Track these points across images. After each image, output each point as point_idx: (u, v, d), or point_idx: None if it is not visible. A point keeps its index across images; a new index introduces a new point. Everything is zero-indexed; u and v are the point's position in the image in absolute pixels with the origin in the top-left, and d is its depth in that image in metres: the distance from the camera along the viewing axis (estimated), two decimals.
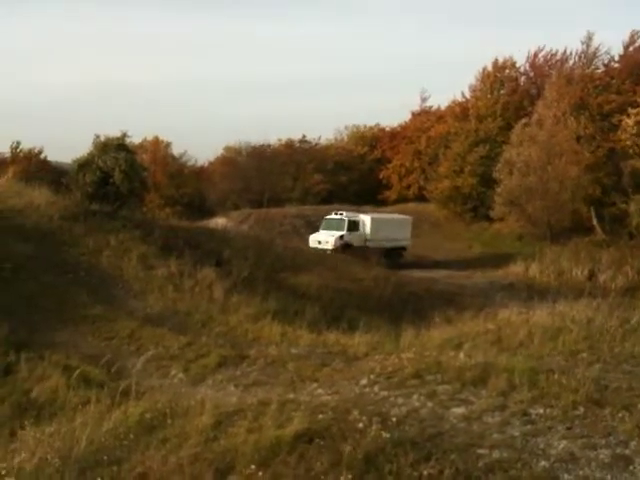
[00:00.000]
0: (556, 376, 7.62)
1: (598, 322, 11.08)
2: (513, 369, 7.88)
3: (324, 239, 34.10)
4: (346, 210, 39.77)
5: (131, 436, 6.47)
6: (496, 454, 5.84)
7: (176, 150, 60.71)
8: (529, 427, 6.49)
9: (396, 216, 41.15)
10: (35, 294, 16.01)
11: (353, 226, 35.21)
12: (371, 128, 66.11)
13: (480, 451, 5.88)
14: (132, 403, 7.52)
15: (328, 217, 36.47)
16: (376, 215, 38.42)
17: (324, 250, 32.36)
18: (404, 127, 62.24)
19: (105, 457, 6.04)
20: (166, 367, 11.88)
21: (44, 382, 10.50)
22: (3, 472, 5.87)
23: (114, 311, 15.81)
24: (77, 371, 9.93)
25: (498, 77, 51.22)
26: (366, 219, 36.02)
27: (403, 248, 37.23)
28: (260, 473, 5.48)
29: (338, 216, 35.86)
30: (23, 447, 6.59)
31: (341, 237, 34.23)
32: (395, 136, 61.99)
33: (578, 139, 40.99)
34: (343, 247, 33.37)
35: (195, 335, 14.27)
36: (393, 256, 34.67)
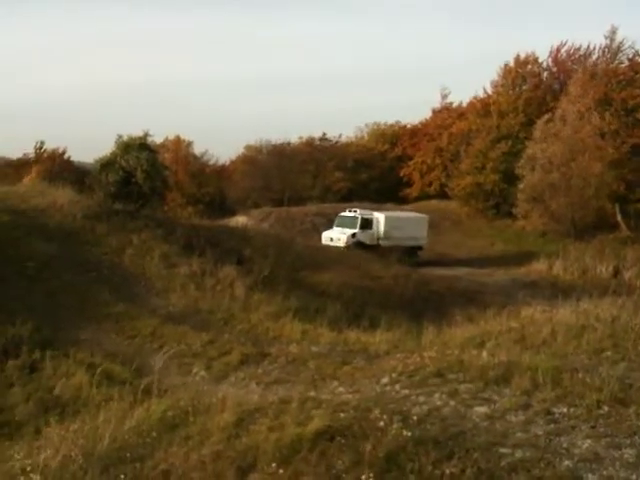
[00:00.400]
0: (580, 375, 7.53)
1: (623, 320, 10.91)
2: (536, 368, 7.79)
3: (336, 236, 33.93)
4: (366, 208, 39.61)
5: (154, 434, 6.52)
6: (519, 453, 5.78)
7: (197, 149, 61.06)
8: (552, 426, 6.42)
9: (411, 214, 40.63)
10: (59, 292, 16.21)
11: (366, 224, 34.91)
12: (391, 125, 65.84)
13: (503, 450, 5.83)
14: (155, 401, 7.57)
15: (342, 214, 36.25)
16: (390, 213, 37.97)
17: (336, 247, 32.17)
18: (425, 124, 61.89)
19: (128, 454, 6.09)
20: (188, 365, 11.97)
21: (68, 380, 10.64)
22: (28, 468, 5.95)
23: (136, 309, 15.95)
24: (100, 368, 10.04)
25: (520, 73, 50.67)
26: (380, 217, 35.70)
27: (419, 247, 36.60)
28: (281, 471, 5.49)
29: (352, 213, 35.61)
30: (48, 444, 6.68)
31: (353, 235, 34.00)
32: (416, 133, 61.67)
33: (602, 135, 40.42)
34: (355, 245, 33.07)
35: (217, 333, 14.34)
36: (409, 255, 34.17)
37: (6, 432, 8.93)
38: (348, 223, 34.87)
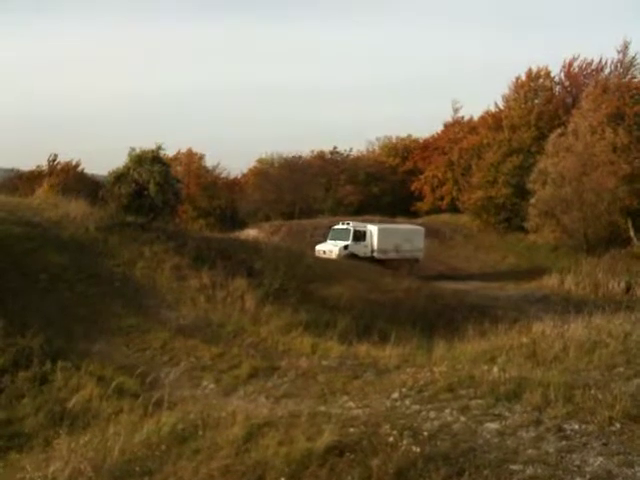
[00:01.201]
0: (592, 391, 7.46)
1: (635, 336, 10.82)
2: (548, 384, 7.73)
3: (329, 249, 33.85)
4: (378, 221, 39.56)
5: (163, 447, 6.52)
6: (530, 470, 5.72)
7: (209, 162, 61.40)
8: (564, 443, 6.35)
9: (407, 226, 40.36)
10: (71, 304, 16.28)
11: (359, 236, 34.73)
12: (403, 139, 65.98)
13: (514, 467, 5.78)
14: (164, 414, 7.58)
15: (335, 227, 36.16)
16: (384, 225, 37.68)
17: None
18: (436, 138, 61.98)
19: (137, 468, 6.09)
20: (198, 378, 11.97)
21: (79, 392, 10.64)
22: None
23: (147, 322, 15.98)
24: (114, 383, 10.05)
25: (532, 86, 50.69)
26: (373, 229, 35.47)
27: (415, 260, 36.14)
28: None
29: (344, 226, 35.51)
30: (57, 456, 6.69)
31: (345, 247, 33.84)
32: (427, 147, 61.75)
33: (614, 149, 40.28)
34: (347, 257, 32.84)
35: (227, 346, 14.34)
36: (406, 267, 33.96)
37: (16, 444, 8.94)
38: (341, 236, 34.75)
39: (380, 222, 41.51)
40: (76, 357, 12.60)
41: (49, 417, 9.87)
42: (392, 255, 34.57)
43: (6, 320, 13.67)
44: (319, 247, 34.88)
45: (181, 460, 6.18)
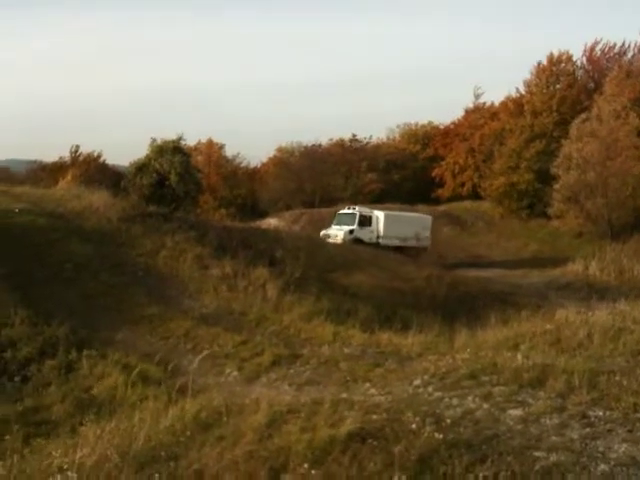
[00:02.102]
0: (617, 378, 7.39)
1: None
2: (572, 370, 7.67)
3: (333, 233, 33.45)
4: (398, 209, 39.38)
5: (187, 433, 6.58)
6: (554, 457, 5.69)
7: (230, 152, 61.57)
8: (588, 430, 6.30)
9: (415, 214, 39.82)
10: (95, 294, 16.48)
11: (364, 221, 34.38)
12: (423, 126, 65.54)
13: (537, 454, 5.74)
14: (188, 401, 7.65)
15: (341, 212, 35.74)
16: (391, 212, 37.28)
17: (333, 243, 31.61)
18: (457, 124, 61.47)
19: (162, 453, 6.16)
20: (221, 365, 12.05)
21: (104, 380, 10.79)
22: (65, 466, 6.05)
23: (170, 311, 16.12)
24: (136, 369, 10.16)
25: (554, 71, 50.01)
26: (380, 215, 35.13)
27: (423, 249, 35.47)
28: (313, 472, 5.49)
29: (350, 210, 35.09)
30: (84, 443, 6.77)
31: (351, 232, 33.44)
32: (448, 133, 61.29)
33: (639, 134, 39.65)
34: (352, 242, 32.43)
35: (249, 334, 14.41)
36: (413, 256, 33.15)
37: (43, 431, 9.09)
38: (347, 220, 34.37)
39: (400, 209, 41.35)
40: (101, 346, 12.77)
41: (75, 404, 10.01)
42: (398, 242, 34.13)
43: (32, 310, 13.90)
44: (324, 232, 34.54)
45: (205, 446, 6.24)
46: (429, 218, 38.13)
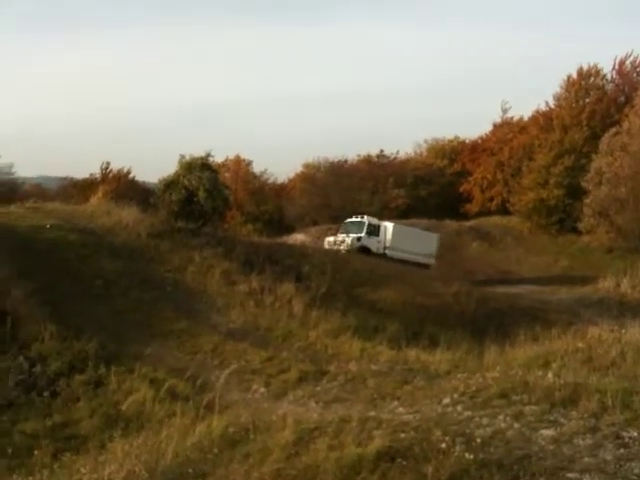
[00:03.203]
0: None
1: None
2: (605, 390, 7.51)
3: (340, 239, 33.02)
4: (425, 224, 39.10)
5: (215, 450, 6.57)
6: (587, 479, 5.56)
7: (257, 168, 61.98)
8: (622, 451, 6.15)
9: (423, 231, 38.99)
10: (124, 309, 16.62)
11: (373, 230, 33.87)
12: (450, 141, 65.26)
13: (570, 475, 5.62)
14: (216, 417, 7.64)
15: (348, 220, 35.30)
16: (399, 225, 36.69)
17: (339, 251, 31.17)
18: (485, 139, 61.08)
19: (190, 470, 6.15)
20: (248, 381, 12.05)
21: (132, 395, 10.84)
22: None
23: (198, 326, 16.19)
24: (165, 385, 10.20)
25: (583, 85, 49.54)
26: (388, 226, 34.70)
27: (426, 266, 34.44)
28: None
29: (358, 219, 34.64)
30: (112, 459, 6.81)
31: (359, 239, 32.98)
32: (475, 148, 60.92)
33: None
34: (359, 250, 32.04)
35: (276, 350, 14.41)
36: None
37: (72, 446, 9.16)
38: (354, 229, 33.87)
39: (427, 225, 41.08)
40: (129, 361, 12.85)
41: (104, 420, 10.08)
42: (404, 255, 33.53)
43: (61, 325, 14.06)
44: (330, 238, 34.19)
45: (233, 463, 6.22)
46: (436, 236, 37.62)
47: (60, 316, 14.78)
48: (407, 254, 33.91)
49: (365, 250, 32.46)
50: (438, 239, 37.16)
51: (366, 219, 34.49)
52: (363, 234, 33.46)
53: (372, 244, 33.44)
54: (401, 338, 16.16)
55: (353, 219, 35.21)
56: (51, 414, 10.62)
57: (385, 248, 33.84)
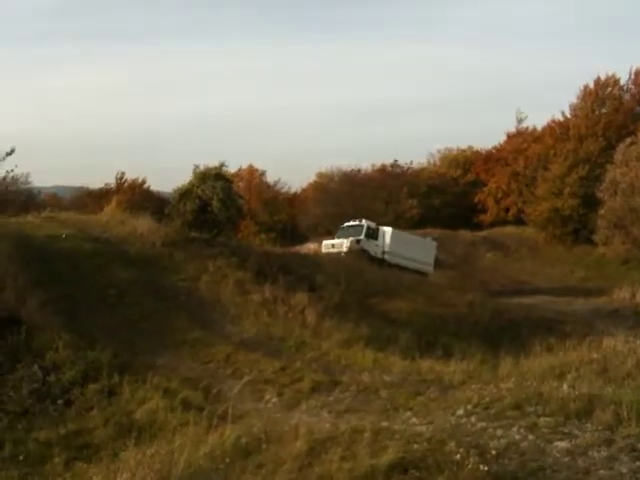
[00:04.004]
0: None
1: None
2: (620, 401, 7.43)
3: (339, 242, 32.68)
4: (439, 234, 38.92)
5: (227, 460, 6.56)
6: None
7: (270, 178, 62.15)
8: (638, 463, 6.07)
9: (421, 238, 38.70)
10: (138, 318, 16.69)
11: (372, 234, 33.53)
12: (464, 151, 65.15)
13: None
14: (228, 427, 7.63)
15: (346, 224, 35.00)
16: (398, 230, 36.32)
17: (337, 254, 30.89)
18: (499, 149, 60.93)
19: None
20: (261, 391, 12.02)
21: (145, 404, 10.86)
22: None
23: (211, 335, 16.22)
24: (178, 395, 10.20)
25: (599, 95, 49.32)
26: (387, 230, 34.35)
27: (423, 274, 33.88)
28: None
29: (357, 222, 34.33)
30: (125, 467, 6.81)
31: (358, 241, 32.54)
32: (490, 158, 60.77)
33: None
34: (358, 253, 31.46)
35: (289, 360, 14.38)
36: None
37: (85, 455, 9.18)
38: (352, 232, 33.43)
39: (441, 235, 40.91)
40: (142, 370, 12.86)
41: (117, 429, 10.10)
42: (402, 261, 33.18)
43: (76, 334, 14.15)
44: (327, 241, 33.95)
45: (245, 474, 6.21)
46: (434, 244, 37.26)
47: (74, 325, 14.87)
48: (406, 260, 33.54)
49: (365, 254, 31.95)
50: (436, 247, 36.87)
51: (365, 222, 34.14)
52: (362, 237, 33.09)
53: (371, 247, 33.07)
54: (414, 348, 16.08)
55: (351, 223, 34.87)
56: (65, 423, 10.66)
57: (384, 253, 33.44)
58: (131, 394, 11.57)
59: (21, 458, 8.69)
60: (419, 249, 35.39)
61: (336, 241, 33.35)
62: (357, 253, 31.35)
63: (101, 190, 50.48)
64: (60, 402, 11.53)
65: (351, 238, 32.70)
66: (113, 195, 41.84)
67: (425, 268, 34.78)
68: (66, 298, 16.79)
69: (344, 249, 31.75)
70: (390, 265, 31.79)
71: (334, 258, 29.50)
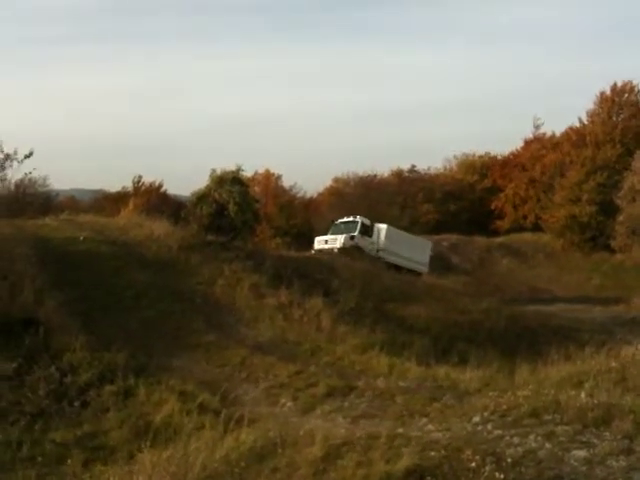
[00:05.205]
0: None
1: None
2: (639, 410, 7.35)
3: (332, 238, 32.07)
4: (455, 239, 38.69)
5: (242, 464, 6.57)
6: None
7: (286, 182, 62.27)
8: None
9: (416, 237, 38.13)
10: (154, 321, 16.76)
11: (366, 230, 32.89)
12: (481, 156, 64.89)
13: None
14: (244, 431, 7.64)
15: (340, 220, 34.34)
16: (393, 228, 35.37)
17: (330, 250, 30.35)
18: (516, 155, 60.63)
19: None
20: (276, 395, 12.03)
21: (161, 406, 10.90)
22: None
23: (226, 339, 16.25)
24: (191, 397, 10.21)
25: (616, 102, 48.97)
26: (382, 227, 33.73)
27: (418, 274, 33.22)
28: None
29: (351, 218, 33.66)
30: (141, 470, 6.84)
31: (352, 237, 31.92)
32: (507, 164, 60.49)
33: None
34: (352, 249, 30.74)
35: (303, 364, 14.37)
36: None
37: (101, 456, 9.23)
38: (346, 229, 32.81)
39: (457, 240, 40.72)
40: (158, 372, 12.92)
41: (133, 431, 10.13)
42: (396, 260, 32.66)
43: (93, 336, 14.23)
44: (319, 237, 33.46)
45: (260, 478, 6.22)
46: (430, 244, 36.77)
47: (91, 327, 14.97)
48: (400, 259, 33.08)
49: (359, 251, 31.20)
50: (431, 247, 36.40)
51: (359, 219, 33.49)
52: (356, 233, 32.46)
53: (365, 244, 32.45)
54: (430, 355, 16.00)
55: (345, 219, 34.25)
56: (81, 424, 10.71)
57: (378, 250, 32.82)
58: (147, 396, 11.61)
59: (40, 459, 8.75)
60: (414, 248, 34.84)
61: (329, 237, 32.74)
62: (350, 250, 30.59)
63: (118, 193, 50.86)
64: (77, 403, 11.58)
65: (344, 235, 32.11)
66: (130, 198, 42.14)
67: (420, 268, 34.26)
68: (83, 300, 16.92)
69: (337, 246, 31.20)
70: (387, 264, 31.07)
71: (349, 263, 29.45)
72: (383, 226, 34.06)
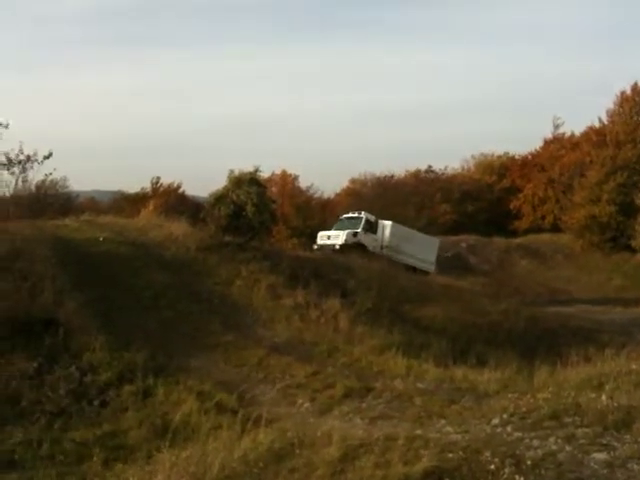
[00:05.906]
0: None
1: None
2: None
3: (335, 234, 31.25)
4: (473, 240, 38.47)
5: (261, 464, 6.58)
6: None
7: (303, 183, 62.32)
8: None
9: (422, 234, 36.51)
10: (172, 321, 16.87)
11: (370, 227, 32.01)
12: (499, 157, 64.50)
13: None
14: (262, 431, 7.65)
15: (344, 216, 33.67)
16: (398, 225, 34.31)
17: (332, 246, 29.77)
18: (535, 155, 60.22)
19: None
20: (293, 396, 12.04)
21: (179, 406, 10.96)
22: None
23: (244, 339, 16.30)
24: (212, 398, 10.25)
25: (638, 101, 48.46)
26: (387, 224, 32.83)
27: (425, 272, 32.39)
28: None
29: (355, 214, 32.87)
30: (159, 469, 6.88)
31: (355, 234, 30.97)
32: (526, 164, 60.08)
33: None
34: (355, 246, 29.95)
35: (321, 365, 14.37)
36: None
37: (120, 455, 9.30)
38: (350, 225, 31.92)
39: (475, 241, 40.49)
40: (176, 372, 13.01)
41: (151, 430, 10.20)
42: (401, 257, 31.85)
43: (112, 336, 14.35)
44: (322, 233, 32.75)
45: (278, 478, 6.22)
46: (437, 241, 35.80)
47: (111, 327, 15.10)
48: (406, 257, 32.33)
49: (362, 248, 30.49)
50: (438, 245, 35.54)
51: (364, 214, 32.71)
52: (360, 229, 31.63)
53: (369, 241, 31.65)
54: (448, 356, 15.90)
55: (349, 214, 33.65)
56: (100, 423, 10.82)
57: (382, 248, 31.99)
58: (165, 396, 11.69)
59: (60, 458, 8.84)
60: (421, 246, 33.93)
61: (332, 233, 32.04)
62: (353, 247, 29.90)
63: (137, 194, 51.21)
64: (96, 403, 11.70)
65: (347, 230, 31.38)
66: (149, 199, 42.42)
67: (427, 267, 33.47)
68: (103, 300, 17.06)
69: (339, 242, 30.56)
70: (391, 262, 30.05)
71: (365, 264, 29.30)
72: (388, 223, 33.26)
